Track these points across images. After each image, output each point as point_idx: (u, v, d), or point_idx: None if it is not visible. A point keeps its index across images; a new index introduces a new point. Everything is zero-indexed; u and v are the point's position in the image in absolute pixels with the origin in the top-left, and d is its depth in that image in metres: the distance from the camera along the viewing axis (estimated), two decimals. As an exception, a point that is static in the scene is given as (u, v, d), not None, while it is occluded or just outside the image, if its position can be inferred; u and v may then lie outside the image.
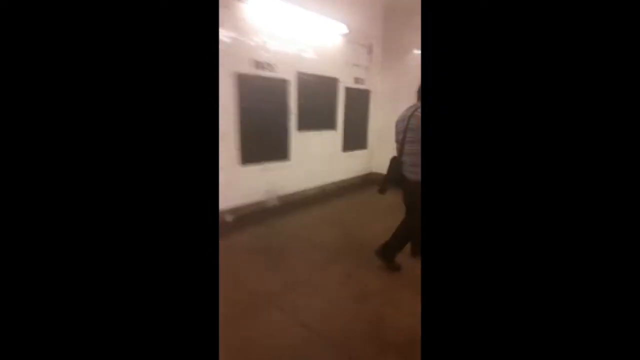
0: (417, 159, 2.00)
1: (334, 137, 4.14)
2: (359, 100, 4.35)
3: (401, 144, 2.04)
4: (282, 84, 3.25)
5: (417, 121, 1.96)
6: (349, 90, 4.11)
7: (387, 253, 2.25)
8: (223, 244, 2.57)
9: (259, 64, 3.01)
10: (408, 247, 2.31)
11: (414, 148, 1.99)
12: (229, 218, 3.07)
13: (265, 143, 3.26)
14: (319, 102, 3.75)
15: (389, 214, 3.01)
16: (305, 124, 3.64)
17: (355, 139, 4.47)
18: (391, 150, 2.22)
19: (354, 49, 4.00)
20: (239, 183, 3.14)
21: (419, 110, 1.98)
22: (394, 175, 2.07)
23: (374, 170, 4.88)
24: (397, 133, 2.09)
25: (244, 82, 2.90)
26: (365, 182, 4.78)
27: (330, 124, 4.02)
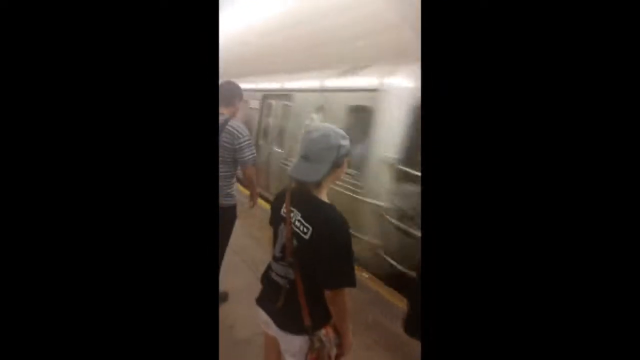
0: (228, 183, 1.62)
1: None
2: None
3: None
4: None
5: (230, 137, 1.57)
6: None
7: None
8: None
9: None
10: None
11: (224, 170, 1.59)
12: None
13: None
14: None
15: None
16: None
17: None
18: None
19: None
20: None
21: (233, 122, 1.58)
22: None
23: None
24: None
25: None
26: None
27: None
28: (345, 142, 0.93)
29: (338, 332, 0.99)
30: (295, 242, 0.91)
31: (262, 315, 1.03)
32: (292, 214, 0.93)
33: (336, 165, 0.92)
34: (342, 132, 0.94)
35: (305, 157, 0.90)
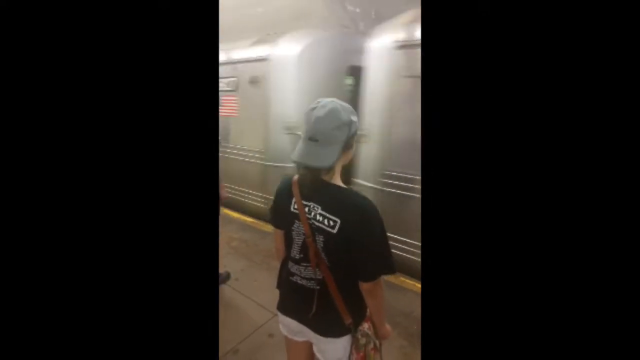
0: None
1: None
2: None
3: None
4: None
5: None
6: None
7: None
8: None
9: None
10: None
11: None
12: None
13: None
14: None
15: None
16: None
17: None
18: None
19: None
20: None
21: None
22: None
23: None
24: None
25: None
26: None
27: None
28: (355, 118, 0.81)
29: (374, 323, 0.93)
30: (321, 238, 0.82)
31: (291, 324, 0.96)
32: (307, 209, 0.84)
33: (348, 146, 0.82)
34: (349, 106, 0.81)
35: (313, 139, 0.77)
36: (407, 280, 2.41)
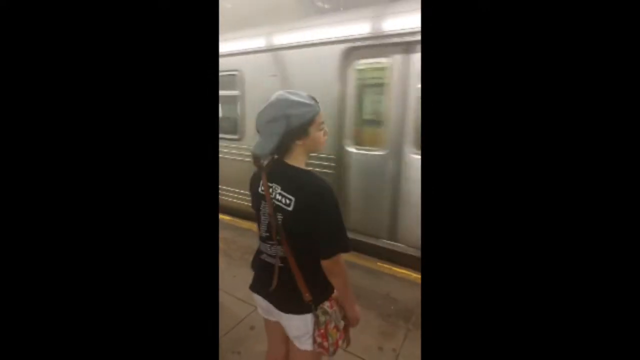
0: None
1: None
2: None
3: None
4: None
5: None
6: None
7: None
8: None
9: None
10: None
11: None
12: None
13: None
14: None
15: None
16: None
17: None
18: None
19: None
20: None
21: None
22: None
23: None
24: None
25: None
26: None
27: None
28: (296, 111, 0.84)
29: (342, 304, 0.96)
30: (279, 216, 0.88)
31: (260, 302, 1.01)
32: (270, 189, 0.91)
33: (294, 136, 0.86)
34: (295, 98, 0.85)
35: (257, 131, 0.88)
36: (384, 265, 2.53)
